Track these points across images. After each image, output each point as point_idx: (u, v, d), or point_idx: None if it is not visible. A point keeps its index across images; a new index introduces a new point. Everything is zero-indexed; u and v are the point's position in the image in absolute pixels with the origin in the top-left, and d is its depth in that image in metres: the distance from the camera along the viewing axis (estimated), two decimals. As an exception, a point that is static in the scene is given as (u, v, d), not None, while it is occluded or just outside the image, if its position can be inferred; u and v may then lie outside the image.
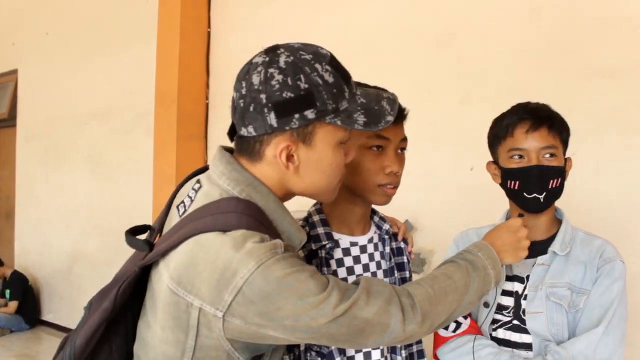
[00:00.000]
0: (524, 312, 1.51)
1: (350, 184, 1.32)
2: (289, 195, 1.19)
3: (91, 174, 5.33)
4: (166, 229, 1.21)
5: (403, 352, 1.44)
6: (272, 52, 1.10)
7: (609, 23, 2.50)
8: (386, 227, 1.49)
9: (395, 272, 1.46)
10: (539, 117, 1.47)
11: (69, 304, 5.56)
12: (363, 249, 1.43)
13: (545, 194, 1.47)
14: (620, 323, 1.42)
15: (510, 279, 1.56)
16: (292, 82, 1.05)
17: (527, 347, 1.50)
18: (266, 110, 1.07)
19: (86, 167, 5.38)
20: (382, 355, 1.40)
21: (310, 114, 1.07)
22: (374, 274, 1.42)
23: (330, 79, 1.08)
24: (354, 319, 1.04)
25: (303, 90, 1.06)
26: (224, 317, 1.01)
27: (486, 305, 1.58)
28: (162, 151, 4.18)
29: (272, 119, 1.07)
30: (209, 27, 4.27)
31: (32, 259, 6.02)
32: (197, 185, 1.16)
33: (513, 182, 1.50)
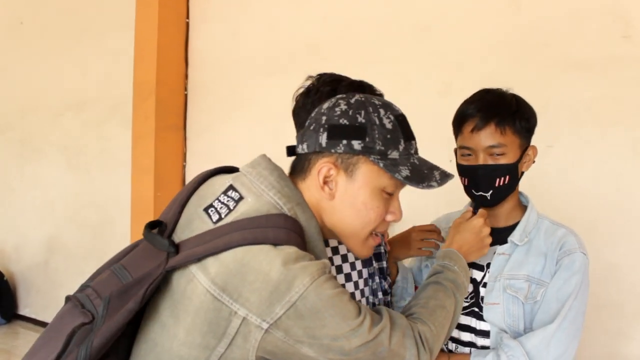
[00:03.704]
0: (482, 299, 1.53)
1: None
2: (323, 226, 1.20)
3: (67, 166, 5.26)
4: (184, 229, 1.17)
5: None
6: (352, 92, 1.22)
7: (587, 15, 2.53)
8: None
9: (373, 262, 1.50)
10: (486, 115, 1.46)
11: (45, 298, 5.49)
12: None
13: (491, 192, 1.49)
14: (576, 318, 1.43)
15: (468, 265, 1.58)
16: (352, 113, 1.13)
17: (485, 334, 1.53)
18: (321, 130, 1.14)
19: (61, 159, 5.31)
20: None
21: (356, 145, 1.12)
22: (353, 265, 1.44)
23: (388, 125, 1.14)
24: (380, 345, 1.07)
25: (358, 122, 1.13)
26: (268, 328, 1.02)
27: None
28: (140, 142, 4.14)
29: (323, 139, 1.13)
30: (187, 17, 4.24)
31: (7, 252, 5.93)
32: (235, 194, 1.14)
33: (463, 178, 1.55)
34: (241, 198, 1.13)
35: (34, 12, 5.65)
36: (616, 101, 2.44)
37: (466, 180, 1.53)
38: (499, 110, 1.47)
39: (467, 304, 1.56)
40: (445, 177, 1.20)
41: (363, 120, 1.13)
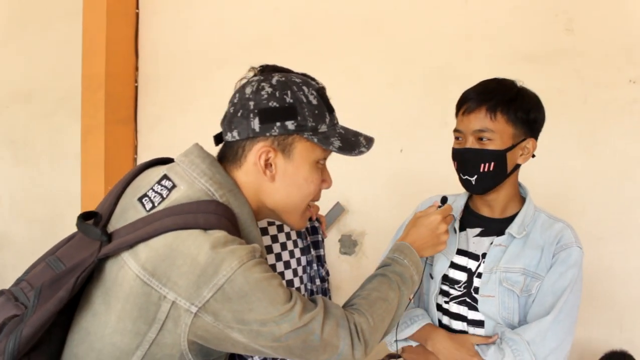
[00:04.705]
0: (475, 289, 1.54)
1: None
2: (261, 209, 1.23)
3: (13, 160, 5.11)
4: (118, 219, 1.18)
5: None
6: (267, 72, 1.22)
7: (531, 9, 2.61)
8: None
9: (312, 249, 1.54)
10: (480, 98, 1.47)
11: (-8, 296, 5.33)
12: (280, 228, 1.46)
13: (476, 176, 1.49)
14: (571, 311, 1.45)
15: (464, 253, 1.59)
16: (279, 94, 1.15)
17: (477, 323, 1.54)
18: (251, 116, 1.15)
19: (7, 152, 5.15)
20: None
21: (290, 125, 1.15)
22: (291, 252, 1.47)
23: (314, 101, 1.18)
24: (311, 333, 1.08)
25: (287, 103, 1.15)
26: (197, 312, 1.03)
27: (430, 276, 1.64)
28: (90, 135, 4.05)
29: (256, 124, 1.15)
30: (137, 8, 4.15)
31: (-50, 249, 5.74)
32: (168, 183, 1.16)
33: (454, 162, 1.56)
34: (174, 186, 1.15)
35: (-25, 0, 5.45)
36: (560, 93, 2.52)
37: (456, 163, 1.54)
38: (493, 96, 1.47)
39: (459, 293, 1.56)
40: (369, 141, 1.27)
41: (291, 100, 1.15)
